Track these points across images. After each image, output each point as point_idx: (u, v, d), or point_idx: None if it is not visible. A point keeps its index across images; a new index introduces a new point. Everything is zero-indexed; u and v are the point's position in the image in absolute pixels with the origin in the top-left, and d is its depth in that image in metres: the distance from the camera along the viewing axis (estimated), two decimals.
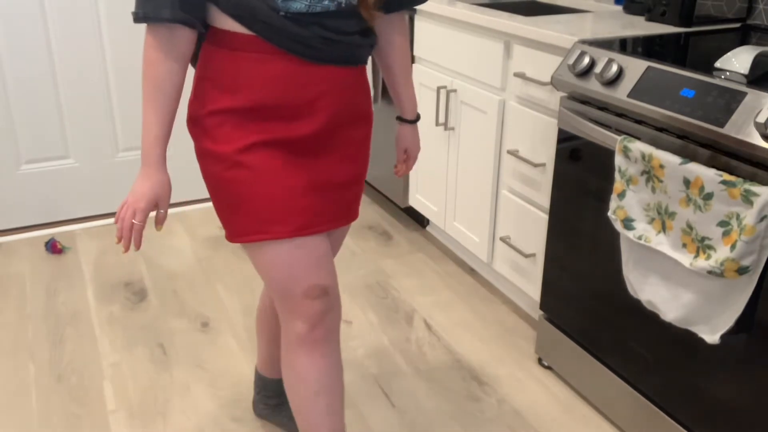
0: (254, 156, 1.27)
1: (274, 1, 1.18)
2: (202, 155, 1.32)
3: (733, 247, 1.33)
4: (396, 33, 1.48)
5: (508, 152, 2.14)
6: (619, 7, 2.36)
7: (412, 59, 2.63)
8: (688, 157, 1.44)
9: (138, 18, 1.20)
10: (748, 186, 1.30)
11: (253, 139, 1.26)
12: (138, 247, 1.27)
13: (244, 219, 1.30)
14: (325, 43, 1.24)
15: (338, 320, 1.44)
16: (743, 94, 1.38)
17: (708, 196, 1.37)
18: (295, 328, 1.39)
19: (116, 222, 1.26)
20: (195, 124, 1.32)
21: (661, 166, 1.46)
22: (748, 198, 1.30)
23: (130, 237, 1.26)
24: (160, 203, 1.30)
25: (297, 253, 1.33)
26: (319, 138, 1.31)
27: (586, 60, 1.71)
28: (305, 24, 1.21)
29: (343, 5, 1.24)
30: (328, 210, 1.36)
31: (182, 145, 3.11)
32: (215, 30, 1.25)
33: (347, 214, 1.44)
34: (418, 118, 1.61)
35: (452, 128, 2.44)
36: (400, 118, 1.60)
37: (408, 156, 1.64)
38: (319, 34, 1.23)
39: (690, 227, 1.43)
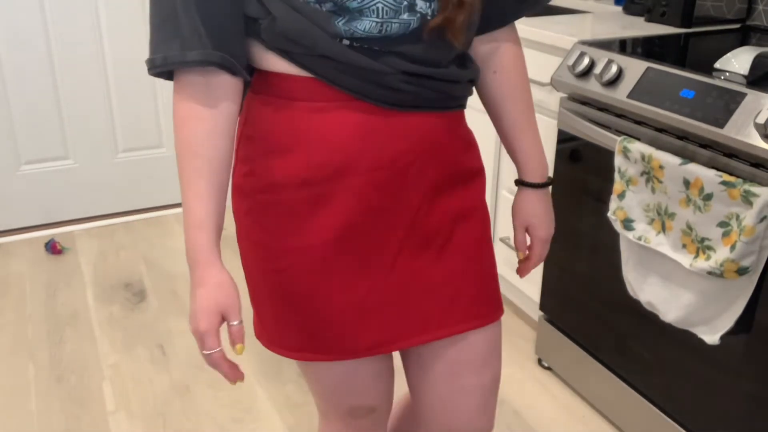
0: (311, 259, 0.96)
1: (333, 25, 0.85)
2: (247, 240, 1.01)
3: (732, 247, 1.33)
4: (505, 53, 1.05)
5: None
6: (619, 8, 2.36)
7: None
8: (688, 157, 1.44)
9: (155, 65, 0.88)
10: (747, 187, 1.30)
11: (315, 232, 0.95)
12: (239, 377, 0.93)
13: (287, 330, 1.02)
14: (409, 81, 0.90)
15: (386, 425, 1.21)
16: (743, 95, 1.38)
17: (708, 197, 1.37)
18: (336, 427, 1.17)
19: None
20: (241, 197, 1.00)
21: (661, 167, 1.46)
22: (747, 199, 1.30)
23: (224, 370, 0.91)
24: (227, 314, 0.90)
25: (344, 374, 1.07)
26: (403, 215, 0.97)
27: (586, 61, 1.71)
28: (377, 55, 0.88)
29: (430, 17, 0.89)
30: (406, 322, 1.02)
31: None
32: (260, 73, 0.94)
33: (455, 316, 1.03)
34: (549, 181, 1.12)
35: None
36: (520, 182, 1.13)
37: (532, 238, 1.14)
38: (399, 68, 0.89)
39: (690, 228, 1.43)
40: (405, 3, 0.87)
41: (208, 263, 0.89)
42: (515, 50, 1.07)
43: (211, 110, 0.89)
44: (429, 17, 0.89)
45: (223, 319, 0.90)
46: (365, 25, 0.85)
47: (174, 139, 0.91)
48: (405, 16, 0.87)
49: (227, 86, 0.89)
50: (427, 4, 0.88)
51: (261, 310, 1.06)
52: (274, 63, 0.91)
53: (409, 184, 0.96)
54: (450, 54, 0.94)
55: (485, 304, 1.06)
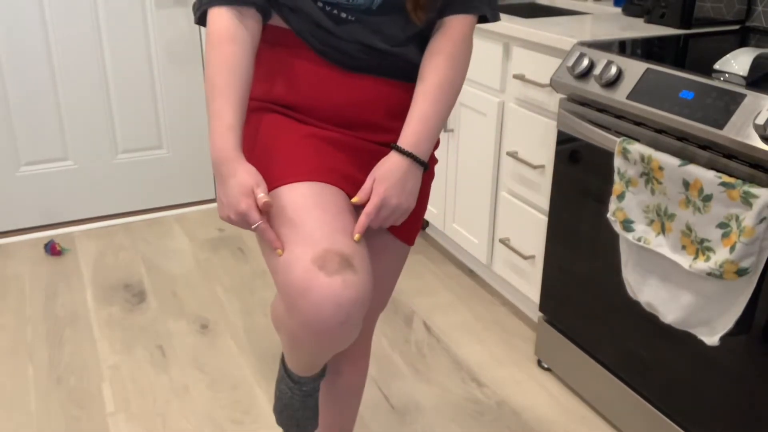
0: (279, 118, 1.14)
1: None
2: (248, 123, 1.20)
3: (732, 248, 1.33)
4: (443, 35, 1.14)
5: (508, 154, 2.14)
6: (619, 9, 2.36)
7: None
8: (688, 158, 1.45)
9: (202, 4, 1.09)
10: (747, 188, 1.30)
11: (282, 113, 1.15)
12: (281, 246, 1.02)
13: (258, 165, 1.12)
14: (364, 51, 1.09)
15: (358, 341, 1.20)
16: (742, 96, 1.38)
17: (707, 198, 1.37)
18: (297, 318, 1.01)
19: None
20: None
21: (661, 168, 1.46)
22: (747, 200, 1.30)
23: (271, 237, 1.02)
24: (257, 189, 1.02)
25: (306, 196, 1.06)
26: (349, 145, 1.15)
27: (586, 62, 1.71)
28: (342, 22, 1.07)
29: None
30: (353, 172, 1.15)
31: (179, 145, 3.12)
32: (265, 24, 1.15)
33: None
34: (414, 156, 1.12)
35: (451, 130, 2.44)
36: (392, 146, 1.14)
37: (372, 192, 1.11)
38: (357, 38, 1.08)
39: (689, 229, 1.43)
40: None
41: (237, 158, 1.03)
42: (450, 38, 1.14)
43: (243, 34, 1.07)
44: None
45: (253, 194, 1.02)
46: None
47: (208, 58, 1.08)
48: None
49: (255, 20, 1.09)
50: None
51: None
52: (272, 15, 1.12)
53: (351, 129, 1.13)
54: (408, 32, 1.10)
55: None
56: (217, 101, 1.04)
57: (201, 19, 1.12)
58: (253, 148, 1.14)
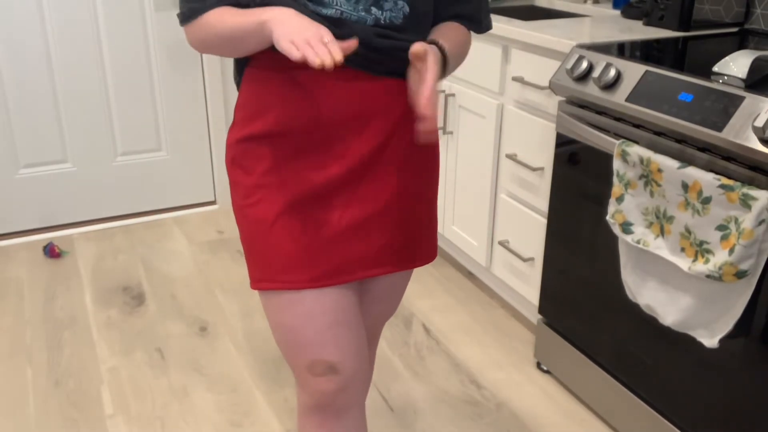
0: (269, 194, 1.13)
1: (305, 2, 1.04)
2: (233, 186, 1.20)
3: (731, 251, 1.33)
4: (452, 25, 1.20)
5: (507, 156, 2.14)
6: (617, 12, 2.37)
7: None
8: (687, 161, 1.45)
9: (185, 17, 1.09)
10: (746, 190, 1.30)
11: (276, 174, 1.13)
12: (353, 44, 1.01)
13: (256, 262, 1.17)
14: (355, 53, 1.04)
15: (357, 397, 1.25)
16: (741, 99, 1.38)
17: (706, 200, 1.37)
18: (303, 397, 1.25)
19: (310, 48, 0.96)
20: (231, 151, 1.18)
21: (660, 170, 1.46)
22: (746, 202, 1.30)
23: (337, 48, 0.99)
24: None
25: (302, 313, 1.16)
26: (362, 166, 1.14)
27: (584, 64, 1.71)
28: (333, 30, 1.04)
29: (382, 22, 1.08)
30: (359, 256, 1.17)
31: (180, 147, 3.12)
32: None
33: (397, 256, 1.21)
34: (444, 54, 1.14)
35: (451, 132, 2.44)
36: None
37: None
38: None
39: (688, 231, 1.43)
40: (361, 7, 1.07)
41: (280, 9, 1.02)
42: (465, 31, 1.22)
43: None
44: (381, 22, 1.07)
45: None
46: (328, 12, 1.05)
47: (212, 37, 1.09)
48: (362, 13, 1.06)
49: None
50: (380, 11, 1.08)
51: (245, 249, 1.20)
52: None
53: (367, 135, 1.12)
54: (400, 42, 1.09)
55: (412, 250, 1.25)
56: (233, 25, 1.05)
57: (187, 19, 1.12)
58: (243, 212, 1.17)
